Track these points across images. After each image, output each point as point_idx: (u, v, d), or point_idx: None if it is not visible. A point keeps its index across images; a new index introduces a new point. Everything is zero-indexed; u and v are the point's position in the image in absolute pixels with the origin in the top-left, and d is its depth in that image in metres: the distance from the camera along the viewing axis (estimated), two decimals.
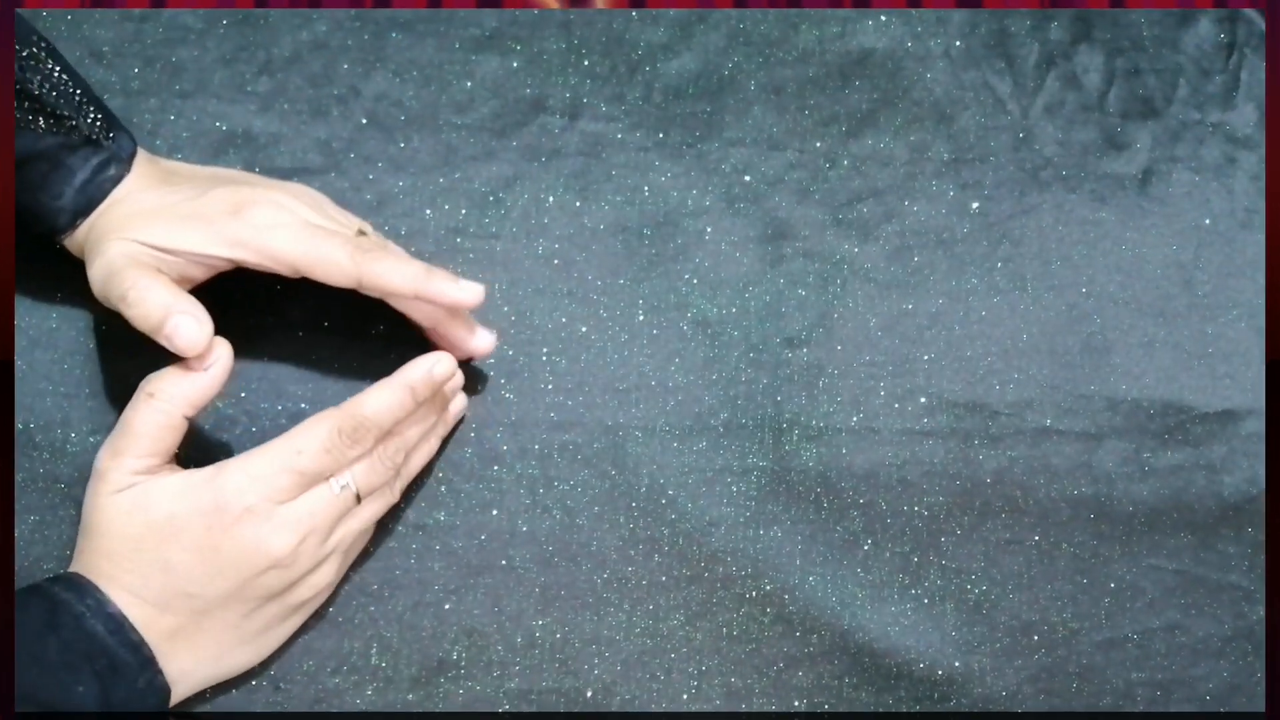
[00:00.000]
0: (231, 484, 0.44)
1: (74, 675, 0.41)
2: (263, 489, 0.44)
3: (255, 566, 0.44)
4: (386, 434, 0.47)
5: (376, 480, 0.47)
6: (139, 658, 0.43)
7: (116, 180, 0.46)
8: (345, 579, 0.50)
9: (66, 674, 0.41)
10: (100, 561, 0.44)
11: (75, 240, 0.46)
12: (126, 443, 0.44)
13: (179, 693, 0.45)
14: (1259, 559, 0.56)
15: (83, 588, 0.43)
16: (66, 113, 0.45)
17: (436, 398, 0.49)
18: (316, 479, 0.45)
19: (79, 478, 0.49)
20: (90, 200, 0.45)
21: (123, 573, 0.43)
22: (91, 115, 0.45)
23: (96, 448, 0.50)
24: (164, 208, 0.45)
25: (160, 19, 0.53)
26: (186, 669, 0.45)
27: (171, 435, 0.44)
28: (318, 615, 0.50)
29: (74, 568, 0.45)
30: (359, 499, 0.46)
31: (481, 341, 0.51)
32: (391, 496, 0.49)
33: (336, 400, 0.51)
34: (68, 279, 0.51)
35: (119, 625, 0.43)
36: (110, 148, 0.46)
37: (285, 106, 0.54)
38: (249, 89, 0.53)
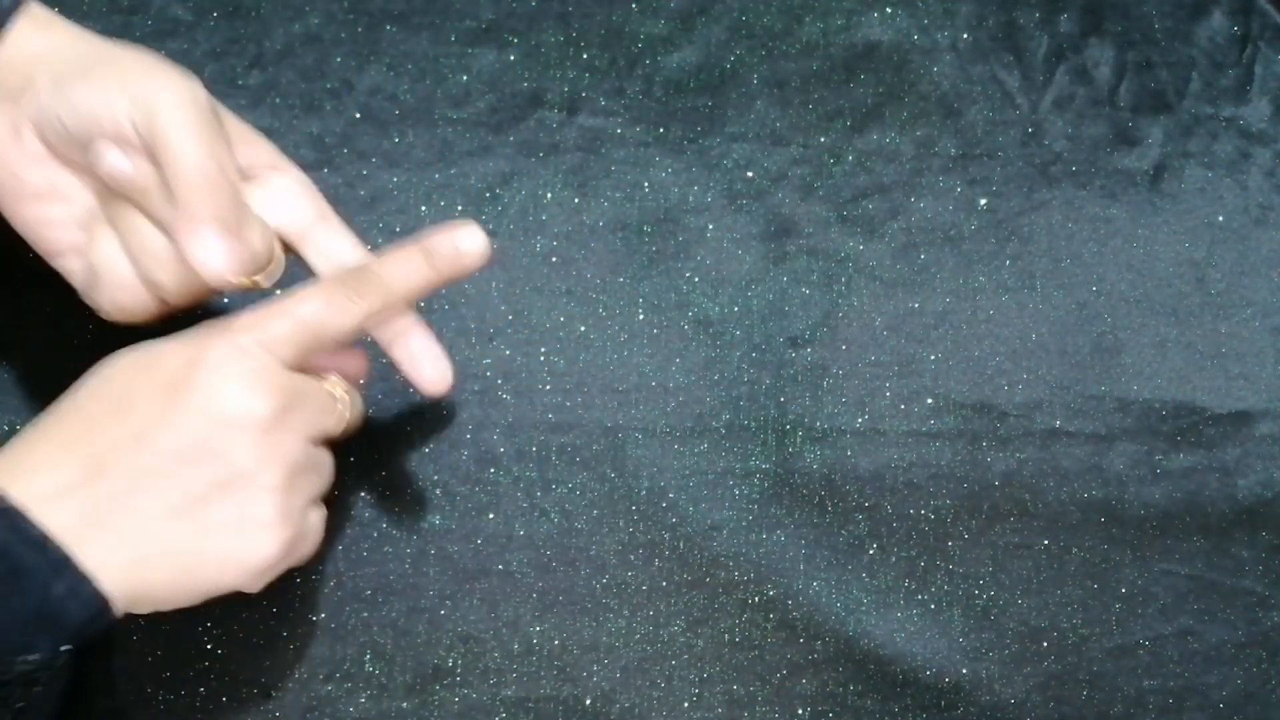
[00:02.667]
0: (223, 324, 0.39)
1: None
2: (256, 332, 0.38)
3: (228, 416, 0.37)
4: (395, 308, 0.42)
5: (354, 413, 0.43)
6: (46, 558, 0.35)
7: (5, 16, 0.40)
8: (339, 584, 0.50)
9: None
10: (45, 425, 0.37)
11: None
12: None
13: (116, 601, 0.37)
14: (1273, 563, 0.56)
15: None
16: None
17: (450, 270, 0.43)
18: (314, 333, 0.39)
19: None
20: None
21: (65, 425, 0.37)
22: None
23: None
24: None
25: (149, 11, 0.53)
26: (105, 560, 0.36)
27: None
28: (310, 622, 0.49)
29: (12, 440, 0.38)
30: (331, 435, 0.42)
31: (429, 374, 0.44)
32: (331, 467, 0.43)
33: None
34: (53, 272, 0.51)
35: (15, 521, 0.35)
36: None
37: (277, 101, 0.53)
38: (240, 83, 0.53)
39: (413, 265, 0.42)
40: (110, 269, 0.40)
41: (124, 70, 0.39)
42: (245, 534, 0.38)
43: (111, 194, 0.39)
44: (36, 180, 0.40)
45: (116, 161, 0.38)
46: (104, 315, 0.42)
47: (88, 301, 0.42)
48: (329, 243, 0.43)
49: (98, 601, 0.36)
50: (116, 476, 0.36)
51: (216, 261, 0.38)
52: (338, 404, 0.42)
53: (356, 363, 0.45)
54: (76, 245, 0.41)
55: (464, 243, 0.42)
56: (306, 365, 0.41)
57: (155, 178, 0.39)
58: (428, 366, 0.44)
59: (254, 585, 0.40)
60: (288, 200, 0.43)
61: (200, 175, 0.38)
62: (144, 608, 0.38)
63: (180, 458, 0.37)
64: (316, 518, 0.42)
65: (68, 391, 0.39)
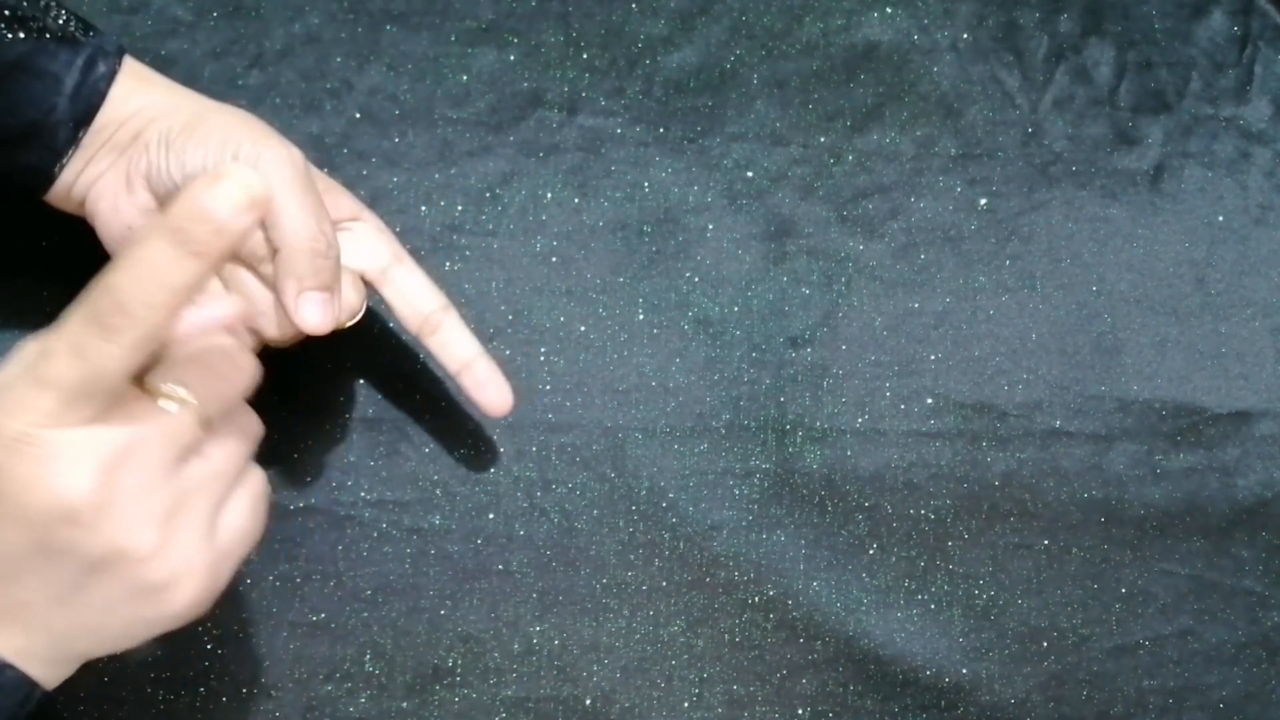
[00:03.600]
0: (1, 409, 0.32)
1: None
2: (20, 413, 0.32)
3: (46, 516, 0.32)
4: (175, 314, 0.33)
5: (222, 391, 0.36)
6: None
7: (110, 77, 0.41)
8: (338, 584, 0.50)
9: None
10: None
11: (72, 182, 0.41)
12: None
13: (43, 673, 0.35)
14: (1273, 563, 0.56)
15: None
16: (29, 13, 0.40)
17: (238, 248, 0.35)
18: (85, 393, 0.32)
19: None
20: (89, 105, 0.41)
21: None
22: (58, 12, 0.41)
23: None
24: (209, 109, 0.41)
25: (149, 11, 0.53)
26: (22, 647, 0.35)
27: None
28: (310, 622, 0.49)
29: None
30: (208, 423, 0.35)
31: (494, 399, 0.47)
32: (253, 424, 0.38)
33: (330, 402, 0.51)
34: (54, 276, 0.50)
35: None
36: (92, 43, 0.41)
37: (277, 101, 0.53)
38: (240, 83, 0.53)
39: (158, 258, 0.32)
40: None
41: (227, 132, 0.41)
42: (148, 598, 0.35)
43: None
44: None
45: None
46: None
47: None
48: (407, 283, 0.47)
49: (25, 685, 0.35)
50: None
51: (320, 321, 0.41)
52: (181, 411, 0.35)
53: (220, 311, 0.37)
54: None
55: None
56: (141, 378, 0.35)
57: (262, 239, 0.41)
58: (491, 391, 0.47)
59: (192, 617, 0.37)
60: (369, 246, 0.46)
61: (307, 242, 0.40)
62: (90, 659, 0.37)
63: (30, 561, 0.34)
64: (234, 518, 0.37)
65: None
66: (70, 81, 0.41)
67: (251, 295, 0.42)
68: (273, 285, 0.41)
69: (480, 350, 0.47)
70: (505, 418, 0.49)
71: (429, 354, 0.52)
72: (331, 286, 0.41)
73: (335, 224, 0.44)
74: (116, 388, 0.33)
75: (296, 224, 0.40)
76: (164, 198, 0.41)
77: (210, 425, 0.36)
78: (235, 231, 0.32)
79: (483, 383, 0.47)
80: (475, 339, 0.48)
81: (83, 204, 0.43)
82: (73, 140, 0.41)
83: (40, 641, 0.35)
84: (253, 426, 0.39)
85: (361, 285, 0.44)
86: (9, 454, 0.32)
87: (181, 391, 0.35)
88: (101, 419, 0.33)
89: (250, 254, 0.41)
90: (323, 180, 0.45)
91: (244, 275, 0.42)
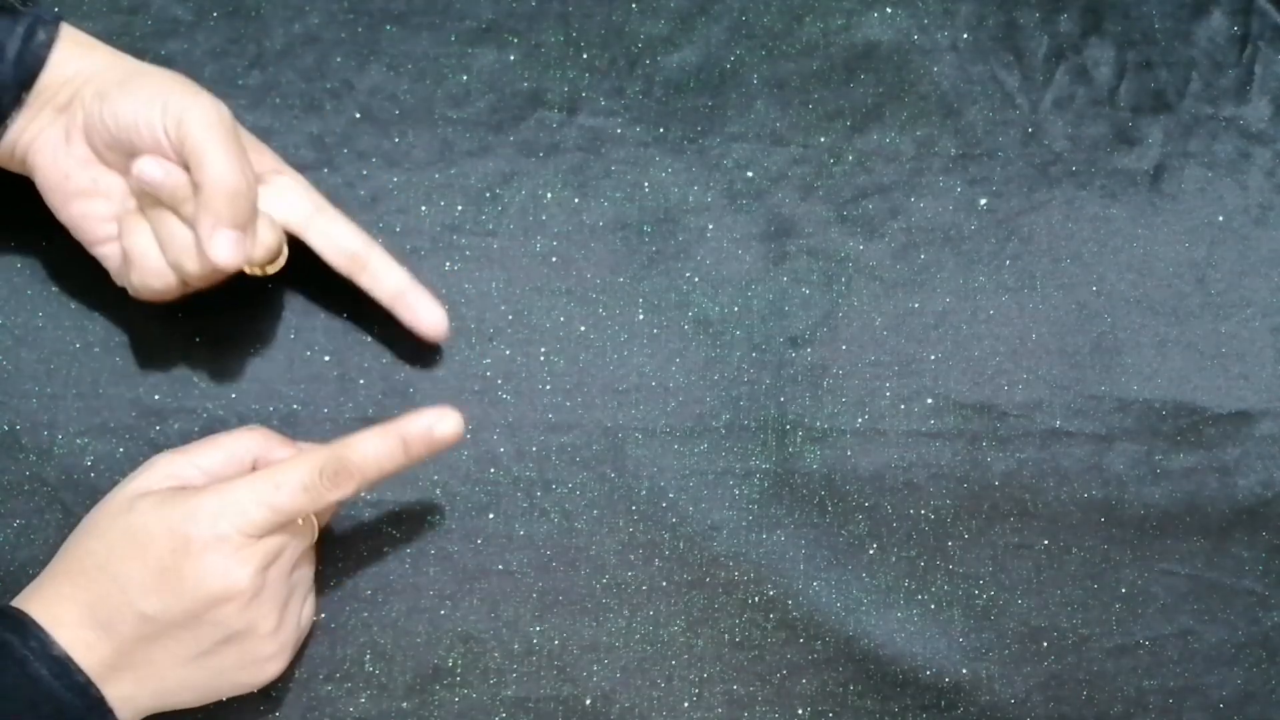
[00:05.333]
0: (207, 508, 0.42)
1: None
2: (237, 520, 0.42)
3: (214, 596, 0.42)
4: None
5: (325, 512, 0.47)
6: (86, 700, 0.41)
7: (49, 44, 0.45)
8: (339, 584, 0.50)
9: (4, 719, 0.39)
10: (60, 581, 0.43)
11: (15, 140, 0.45)
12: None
13: (128, 716, 0.43)
14: (1273, 563, 0.55)
15: (25, 627, 0.41)
16: None
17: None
18: (289, 518, 0.44)
19: (66, 480, 0.49)
20: (30, 69, 0.44)
21: (79, 590, 0.42)
22: None
23: (84, 449, 0.49)
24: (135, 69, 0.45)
25: (149, 11, 0.53)
26: (127, 695, 0.43)
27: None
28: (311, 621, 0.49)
29: (32, 593, 0.43)
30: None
31: (429, 320, 0.50)
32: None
33: (330, 401, 0.51)
34: (54, 276, 0.50)
35: (64, 668, 0.41)
36: (32, 12, 0.45)
37: (277, 101, 0.53)
38: (240, 83, 0.53)
39: (387, 452, 0.44)
40: (142, 256, 0.45)
41: (158, 85, 0.44)
42: (251, 669, 0.44)
43: (145, 192, 0.45)
44: (82, 180, 0.45)
45: (151, 170, 0.43)
46: (134, 294, 0.47)
47: (119, 283, 0.47)
48: (329, 228, 0.48)
49: None
50: (127, 638, 0.42)
51: (232, 257, 0.44)
52: (305, 531, 0.46)
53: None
54: (113, 236, 0.46)
55: (439, 428, 0.45)
56: None
57: (184, 182, 0.44)
58: (424, 314, 0.49)
59: (263, 686, 0.46)
60: (290, 197, 0.48)
61: (226, 185, 0.43)
62: (160, 712, 0.45)
63: (179, 627, 0.42)
64: (309, 607, 0.48)
65: (73, 536, 0.44)
66: (12, 48, 0.44)
67: (173, 235, 0.45)
68: (193, 224, 0.45)
69: (410, 279, 0.49)
70: (445, 337, 0.50)
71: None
72: (244, 226, 0.44)
73: (257, 176, 0.46)
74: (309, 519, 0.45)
75: (218, 166, 0.43)
76: (99, 149, 0.45)
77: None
78: (449, 446, 0.45)
79: (415, 307, 0.49)
80: (403, 270, 0.49)
81: (25, 161, 0.46)
82: (16, 102, 0.44)
83: (147, 692, 0.43)
84: (315, 533, 0.48)
85: (279, 228, 0.47)
86: (208, 545, 0.42)
87: (310, 517, 0.45)
88: (271, 532, 0.43)
89: (172, 196, 0.44)
90: (247, 136, 0.48)
91: (168, 216, 0.45)
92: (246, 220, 0.44)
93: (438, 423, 0.45)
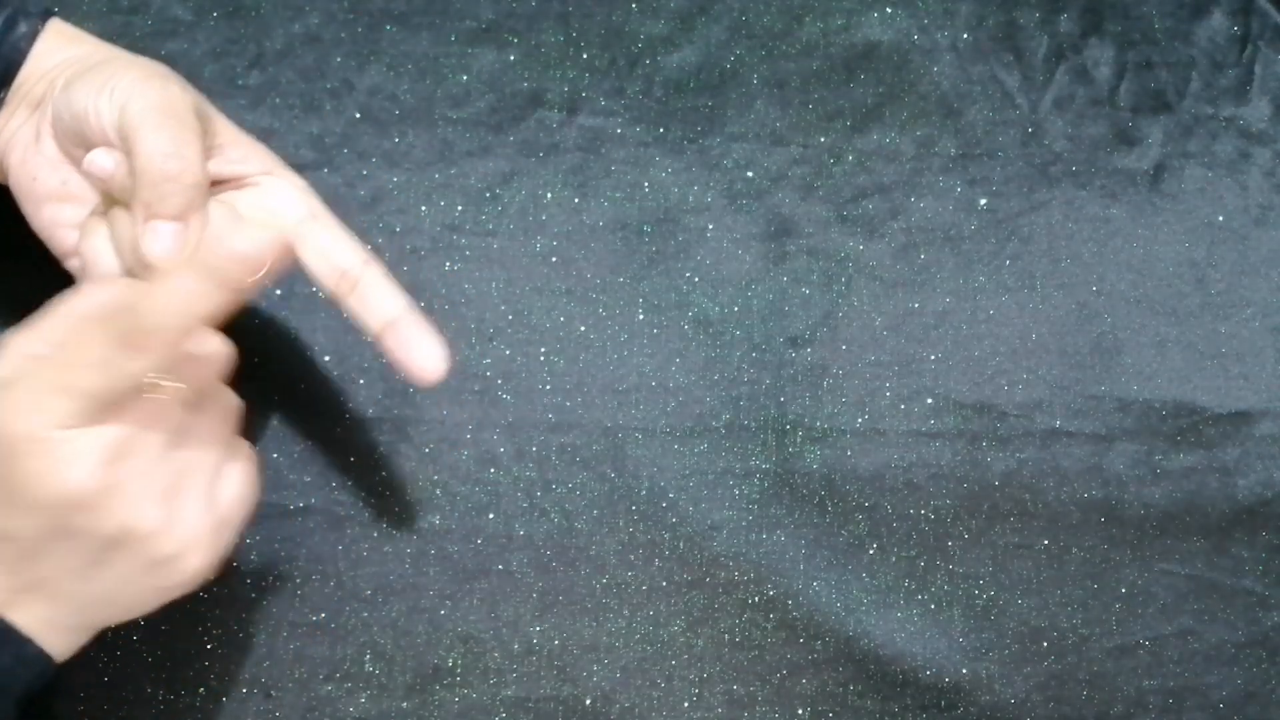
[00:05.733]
0: (12, 403, 0.36)
1: None
2: (38, 415, 0.35)
3: (59, 504, 0.36)
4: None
5: (198, 373, 0.39)
6: None
7: (31, 37, 0.42)
8: (339, 584, 0.50)
9: None
10: None
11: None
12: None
13: (54, 644, 0.38)
14: (1273, 563, 0.55)
15: None
16: None
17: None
18: (100, 399, 0.36)
19: None
20: (9, 62, 0.41)
21: None
22: None
23: None
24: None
25: (149, 11, 0.53)
26: (46, 617, 0.38)
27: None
28: (310, 622, 0.49)
29: None
30: (191, 405, 0.39)
31: (424, 357, 0.42)
32: (231, 400, 0.41)
33: (329, 402, 0.51)
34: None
35: None
36: (13, 3, 0.42)
37: (277, 101, 0.53)
38: (240, 83, 0.53)
39: (189, 292, 0.37)
40: (94, 263, 0.41)
41: (112, 72, 0.40)
42: (160, 571, 0.38)
43: (105, 192, 0.41)
44: (51, 182, 0.42)
45: (100, 161, 0.39)
46: None
47: None
48: (323, 240, 0.43)
49: (41, 661, 0.38)
50: (7, 561, 0.37)
51: (166, 252, 0.38)
52: (165, 393, 0.38)
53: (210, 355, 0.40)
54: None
55: (246, 246, 0.37)
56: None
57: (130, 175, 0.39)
58: (418, 352, 0.42)
59: (202, 580, 0.40)
60: (279, 201, 0.43)
61: (155, 168, 0.38)
62: (106, 627, 0.40)
63: (46, 541, 0.37)
64: (230, 487, 0.41)
65: None
66: None
67: (125, 236, 0.40)
68: None
69: (408, 308, 0.43)
70: (438, 383, 0.43)
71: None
72: (181, 217, 0.39)
73: (242, 179, 0.42)
74: (126, 396, 0.37)
75: (149, 146, 0.38)
76: (64, 145, 0.41)
77: (193, 406, 0.39)
78: (260, 265, 0.37)
79: (408, 342, 0.42)
80: (403, 296, 0.43)
81: (2, 165, 0.43)
82: None
83: (63, 610, 0.38)
84: (231, 403, 0.41)
85: (259, 236, 0.38)
86: (19, 453, 0.35)
87: (163, 381, 0.38)
88: (95, 418, 0.36)
89: (123, 191, 0.39)
90: (231, 131, 0.43)
91: (123, 216, 0.40)
92: (184, 210, 0.39)
93: (241, 237, 0.37)
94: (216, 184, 0.43)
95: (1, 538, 0.37)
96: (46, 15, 0.43)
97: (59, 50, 0.42)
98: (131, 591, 0.39)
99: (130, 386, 0.37)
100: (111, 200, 0.40)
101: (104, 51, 0.43)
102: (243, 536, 0.49)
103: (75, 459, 0.36)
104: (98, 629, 0.40)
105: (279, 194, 0.44)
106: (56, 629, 0.38)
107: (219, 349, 0.40)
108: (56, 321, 0.36)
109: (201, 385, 0.39)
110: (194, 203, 0.39)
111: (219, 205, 0.42)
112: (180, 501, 0.38)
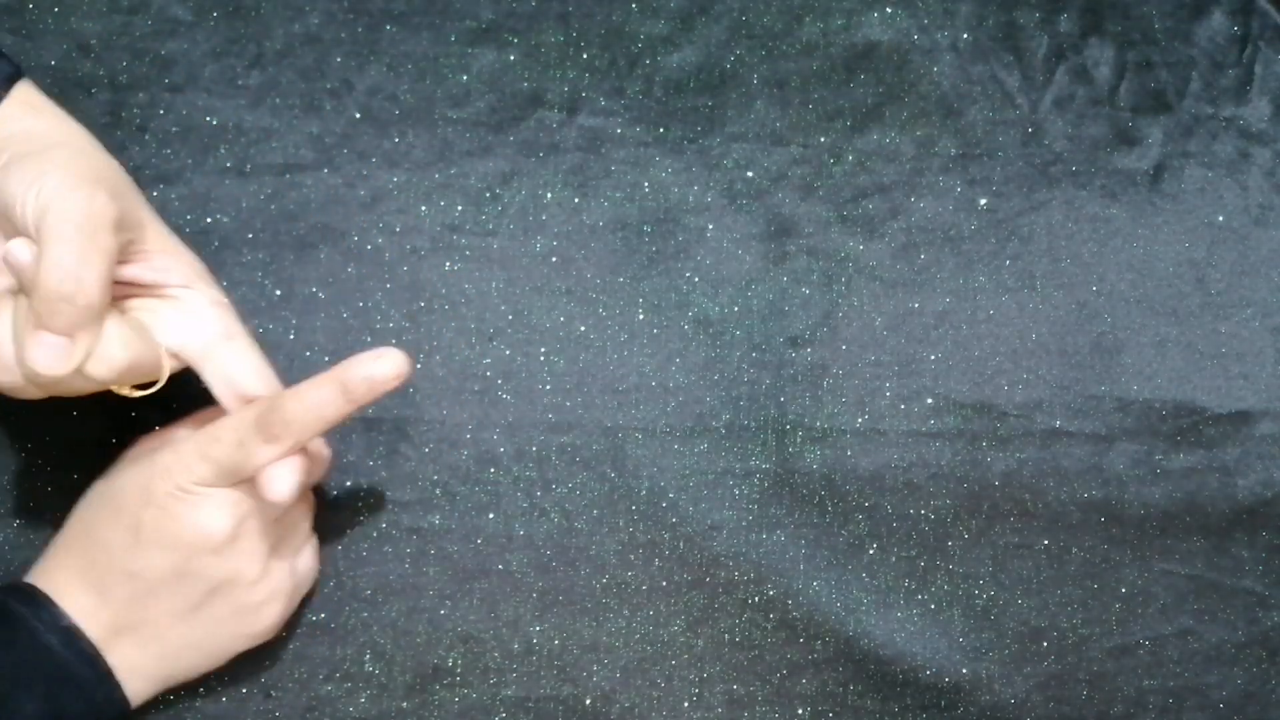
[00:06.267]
0: (163, 463, 0.43)
1: (26, 692, 0.41)
2: (185, 474, 0.43)
3: (190, 545, 0.43)
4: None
5: (309, 472, 0.45)
6: (95, 671, 0.42)
7: None
8: (339, 584, 0.50)
9: (18, 690, 0.40)
10: (59, 552, 0.44)
11: None
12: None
13: (133, 690, 0.44)
14: (1273, 563, 0.55)
15: (36, 600, 0.42)
16: None
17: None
18: (233, 472, 0.43)
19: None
20: None
21: (73, 557, 0.44)
22: None
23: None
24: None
25: (149, 11, 0.53)
26: (134, 663, 0.44)
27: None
28: (310, 622, 0.49)
29: (36, 569, 0.45)
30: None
31: (380, 368, 0.43)
32: (312, 500, 0.49)
33: None
34: None
35: (72, 638, 0.42)
36: None
37: (277, 101, 0.53)
38: (240, 83, 0.53)
39: (326, 400, 0.43)
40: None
41: (46, 169, 0.39)
42: (247, 617, 0.45)
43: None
44: None
45: (14, 250, 0.38)
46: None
47: None
48: (231, 364, 0.44)
49: (120, 706, 0.43)
50: (121, 599, 0.43)
51: (47, 365, 0.38)
52: None
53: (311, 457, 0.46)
54: None
55: (379, 371, 0.42)
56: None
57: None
58: (369, 370, 0.43)
59: (269, 637, 0.47)
60: (192, 318, 0.44)
61: (53, 288, 0.38)
62: (177, 682, 0.46)
63: (166, 581, 0.43)
64: (305, 561, 0.48)
65: (73, 511, 0.45)
66: None
67: (21, 325, 0.40)
68: None
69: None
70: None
71: (428, 351, 0.52)
72: (68, 333, 0.39)
73: (161, 288, 0.43)
74: (254, 473, 0.43)
75: (51, 260, 0.38)
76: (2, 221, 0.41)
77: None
78: (393, 388, 0.43)
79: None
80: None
81: None
82: None
83: (151, 655, 0.44)
84: (312, 502, 0.49)
85: (141, 350, 0.41)
86: (173, 499, 0.43)
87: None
88: (239, 485, 0.43)
89: (31, 285, 0.39)
90: (163, 238, 0.44)
91: (25, 303, 0.40)
92: (71, 328, 0.38)
93: (376, 364, 0.42)
94: (135, 288, 0.43)
95: (128, 575, 0.43)
96: (13, 79, 0.43)
97: (15, 120, 0.42)
98: (217, 637, 0.45)
99: (256, 468, 0.43)
100: (21, 288, 0.40)
101: (58, 133, 0.43)
102: None
103: (215, 509, 0.43)
104: (171, 683, 0.46)
105: (196, 309, 0.44)
106: (139, 676, 0.44)
107: (326, 453, 0.48)
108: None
109: (308, 480, 0.46)
110: (82, 322, 0.39)
111: (124, 317, 0.42)
112: (275, 561, 0.45)
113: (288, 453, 0.43)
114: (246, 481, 0.44)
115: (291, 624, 0.49)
